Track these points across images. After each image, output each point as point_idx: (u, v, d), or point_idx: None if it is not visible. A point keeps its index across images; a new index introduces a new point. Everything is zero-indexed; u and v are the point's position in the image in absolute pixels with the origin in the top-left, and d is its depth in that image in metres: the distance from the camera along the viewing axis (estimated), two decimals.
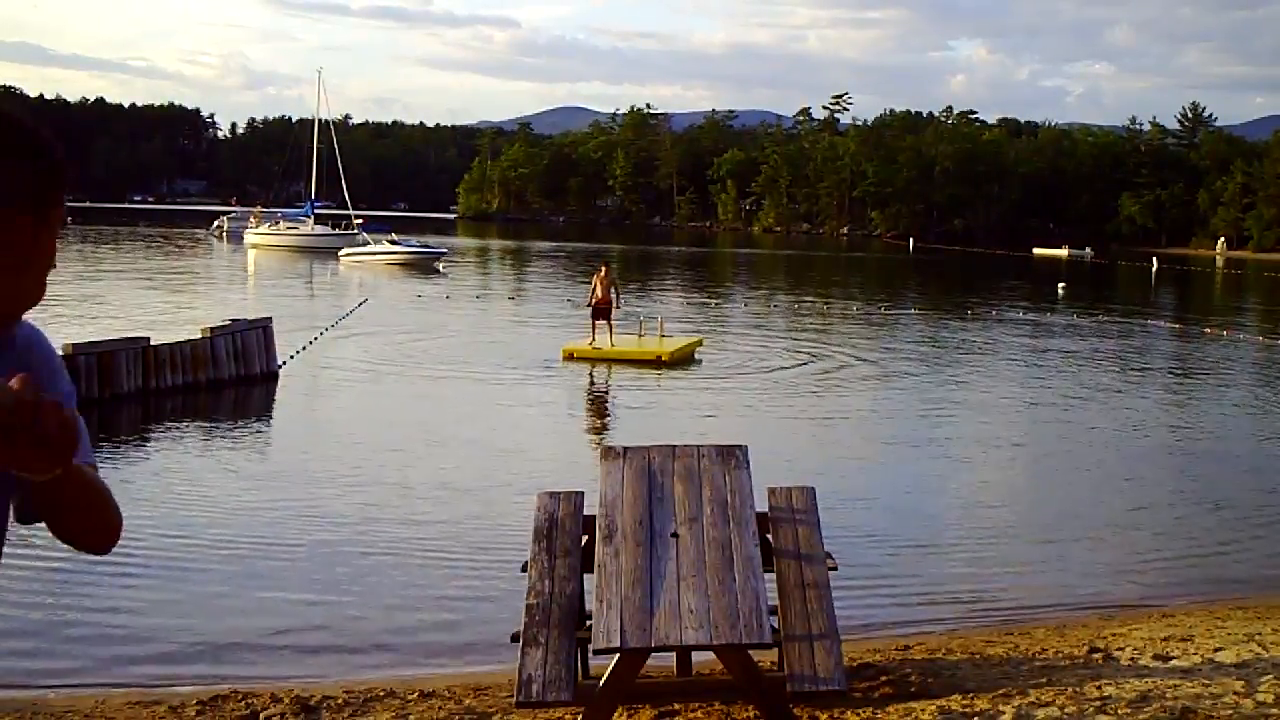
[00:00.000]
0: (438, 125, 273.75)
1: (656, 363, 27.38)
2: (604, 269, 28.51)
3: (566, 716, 7.10)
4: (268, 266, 62.85)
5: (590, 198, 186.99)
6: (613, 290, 28.16)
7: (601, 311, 27.87)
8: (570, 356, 27.73)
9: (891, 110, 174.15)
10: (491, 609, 10.61)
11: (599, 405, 23.47)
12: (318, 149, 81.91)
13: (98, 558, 11.94)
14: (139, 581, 11.31)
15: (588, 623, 6.91)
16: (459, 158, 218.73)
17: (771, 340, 33.87)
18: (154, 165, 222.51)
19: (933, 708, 7.03)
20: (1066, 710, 6.84)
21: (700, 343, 30.49)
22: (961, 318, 44.02)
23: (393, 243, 66.81)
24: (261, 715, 7.73)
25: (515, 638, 6.79)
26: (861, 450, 19.20)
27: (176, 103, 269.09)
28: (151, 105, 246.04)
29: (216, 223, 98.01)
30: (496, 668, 8.95)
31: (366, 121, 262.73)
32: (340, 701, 7.98)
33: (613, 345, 27.77)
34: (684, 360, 28.07)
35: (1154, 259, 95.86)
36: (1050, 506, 15.71)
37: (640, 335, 29.87)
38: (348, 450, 17.75)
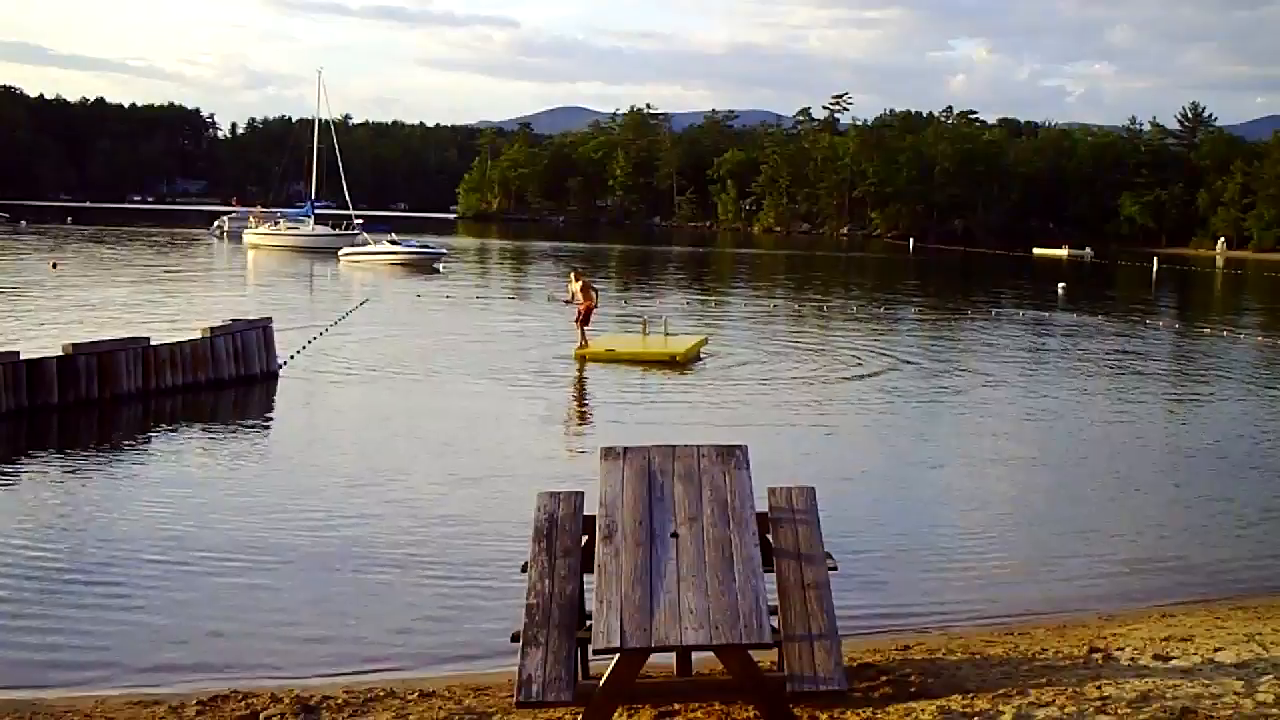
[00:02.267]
0: (438, 125, 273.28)
1: (670, 363, 27.53)
2: (574, 275, 28.41)
3: (566, 716, 7.10)
4: (268, 266, 62.85)
5: (590, 198, 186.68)
6: (592, 291, 28.16)
7: (584, 317, 27.93)
8: (583, 357, 27.83)
9: (891, 110, 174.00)
10: (491, 609, 10.62)
11: (605, 406, 23.42)
12: (318, 149, 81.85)
13: (95, 559, 11.95)
14: (139, 582, 11.32)
15: (588, 623, 6.91)
16: (459, 158, 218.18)
17: (774, 340, 33.86)
18: (154, 165, 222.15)
19: (933, 708, 7.03)
20: (1066, 710, 6.84)
21: (704, 341, 30.59)
22: (962, 317, 44.03)
23: (393, 243, 66.83)
24: (261, 715, 7.73)
25: (515, 638, 6.79)
26: (862, 450, 19.20)
27: (176, 103, 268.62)
28: (151, 105, 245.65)
29: (217, 223, 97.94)
30: (496, 668, 8.96)
31: (366, 121, 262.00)
32: (340, 701, 7.98)
33: (587, 345, 27.81)
34: (692, 359, 28.21)
35: (1154, 259, 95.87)
36: (1051, 506, 15.71)
37: (645, 335, 29.89)
38: (347, 450, 17.76)
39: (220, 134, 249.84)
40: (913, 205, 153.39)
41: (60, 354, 19.87)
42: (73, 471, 15.83)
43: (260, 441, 18.76)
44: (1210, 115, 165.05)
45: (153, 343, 21.71)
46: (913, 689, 7.63)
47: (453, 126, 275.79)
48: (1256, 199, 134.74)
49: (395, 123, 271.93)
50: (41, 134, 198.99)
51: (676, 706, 7.35)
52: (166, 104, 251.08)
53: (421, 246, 68.37)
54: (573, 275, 28.66)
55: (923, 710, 7.00)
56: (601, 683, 6.59)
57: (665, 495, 7.02)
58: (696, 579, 6.54)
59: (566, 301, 28.40)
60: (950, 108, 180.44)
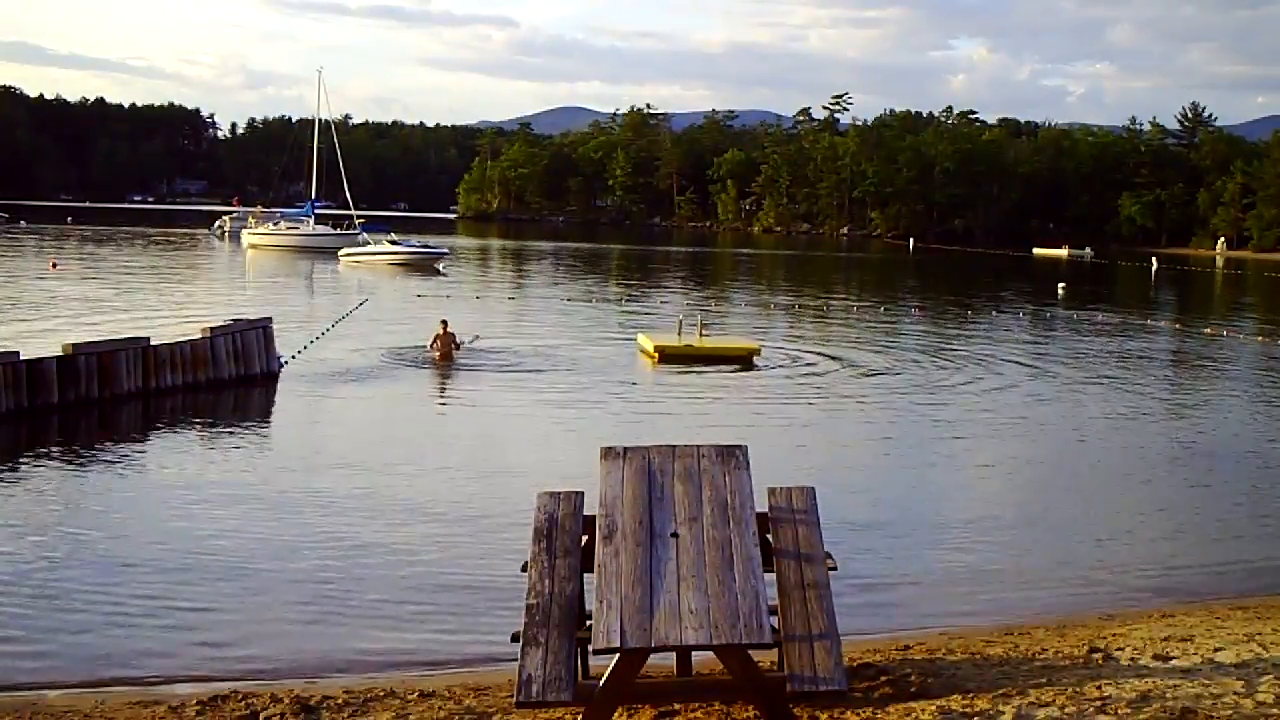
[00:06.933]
0: (438, 125, 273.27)
1: (747, 359, 28.06)
2: (443, 326, 27.25)
3: (566, 716, 7.10)
4: (267, 266, 62.85)
5: (590, 198, 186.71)
6: (452, 343, 27.04)
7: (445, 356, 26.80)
8: (660, 354, 28.08)
9: (891, 110, 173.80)
10: (491, 609, 10.62)
11: (602, 407, 23.41)
12: (318, 149, 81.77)
13: (97, 558, 11.95)
14: (139, 582, 11.32)
15: (588, 623, 6.91)
16: (459, 158, 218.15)
17: (782, 340, 33.86)
18: (154, 165, 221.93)
19: (933, 708, 7.03)
20: (1066, 710, 6.84)
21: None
22: (961, 318, 44.03)
23: (393, 243, 66.82)
24: (261, 715, 7.73)
25: (515, 638, 6.79)
26: (864, 450, 19.20)
27: (176, 103, 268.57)
28: (151, 105, 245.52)
29: (218, 223, 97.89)
30: (496, 668, 8.96)
31: (366, 121, 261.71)
32: (340, 701, 7.98)
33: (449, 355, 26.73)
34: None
35: (1154, 259, 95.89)
36: (1051, 507, 15.71)
37: (680, 335, 29.92)
38: (348, 450, 17.74)
39: (220, 134, 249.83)
40: (913, 205, 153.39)
41: (60, 354, 19.86)
42: (73, 472, 15.82)
43: (260, 441, 18.75)
44: (1210, 115, 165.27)
45: (153, 343, 21.71)
46: (913, 689, 7.63)
47: (453, 126, 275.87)
48: (1256, 199, 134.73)
49: (395, 123, 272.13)
50: (41, 134, 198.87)
51: (676, 706, 7.35)
52: (166, 104, 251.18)
53: (422, 246, 68.34)
54: (441, 326, 27.37)
55: (923, 710, 7.00)
56: (601, 683, 6.59)
57: (665, 495, 7.02)
58: (696, 579, 6.54)
59: (431, 345, 27.22)
60: (950, 108, 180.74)
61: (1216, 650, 8.48)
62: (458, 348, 27.06)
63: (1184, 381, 29.21)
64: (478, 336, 27.82)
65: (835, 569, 7.28)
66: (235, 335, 23.10)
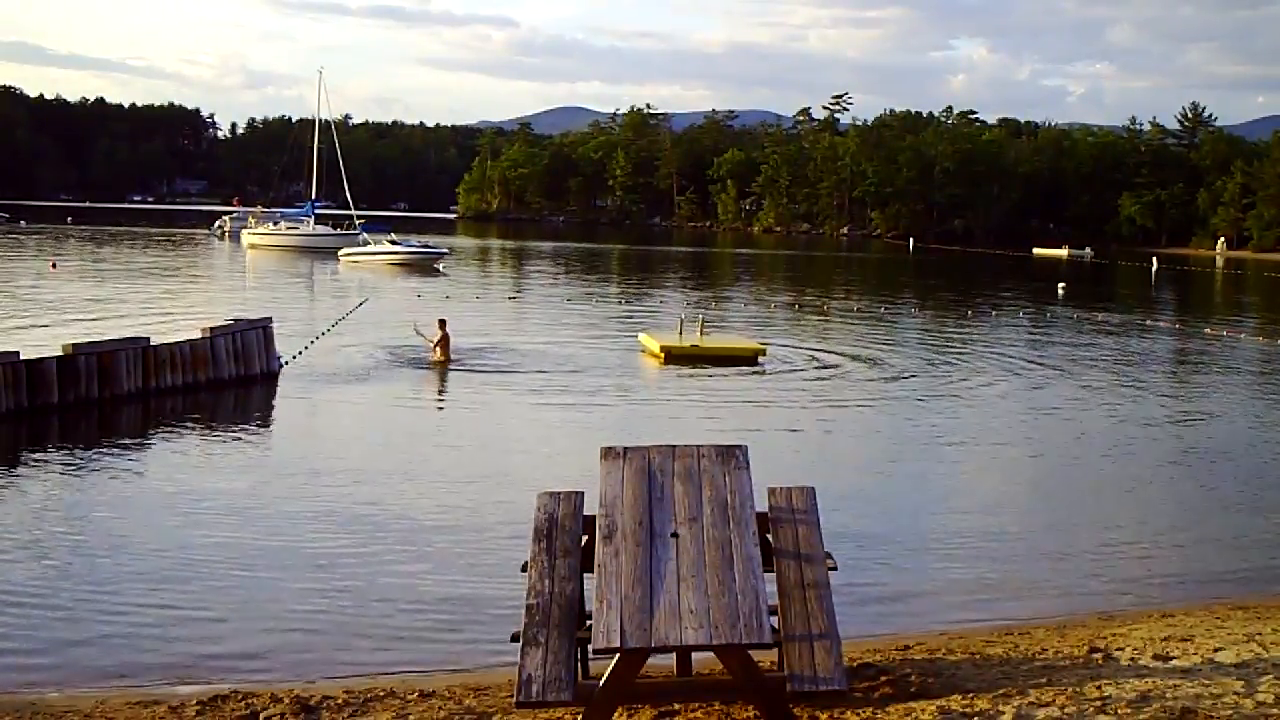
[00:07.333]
0: (438, 125, 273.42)
1: (752, 359, 28.21)
2: (438, 324, 27.10)
3: (566, 716, 7.10)
4: (267, 266, 62.83)
5: (590, 198, 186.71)
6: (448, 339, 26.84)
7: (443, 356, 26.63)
8: (666, 354, 28.17)
9: (891, 110, 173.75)
10: (491, 609, 10.62)
11: (605, 408, 23.42)
12: (318, 149, 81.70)
13: (97, 559, 11.95)
14: (139, 583, 11.32)
15: (588, 623, 6.91)
16: (459, 158, 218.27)
17: (785, 340, 33.86)
18: (154, 165, 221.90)
19: (933, 708, 7.03)
20: (1066, 710, 6.84)
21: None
22: (962, 318, 44.01)
23: (393, 243, 66.82)
24: (261, 715, 7.73)
25: (515, 638, 6.80)
26: (865, 451, 19.20)
27: (176, 103, 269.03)
28: (151, 105, 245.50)
29: (219, 223, 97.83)
30: (496, 668, 8.96)
31: (366, 121, 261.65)
32: (340, 701, 7.98)
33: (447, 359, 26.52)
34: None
35: (1154, 259, 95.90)
36: (1051, 507, 15.72)
37: (681, 335, 29.93)
38: (348, 451, 17.75)
39: (220, 134, 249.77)
40: (913, 205, 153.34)
41: (60, 354, 19.86)
42: (73, 472, 15.82)
43: (260, 442, 18.75)
44: (1210, 115, 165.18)
45: (153, 343, 21.71)
46: (913, 689, 7.62)
47: (453, 126, 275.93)
48: (1256, 199, 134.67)
49: (395, 123, 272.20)
50: (41, 134, 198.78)
51: (676, 706, 7.35)
52: (166, 104, 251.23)
53: (422, 246, 68.34)
54: (437, 324, 27.10)
55: (923, 710, 7.00)
56: (601, 683, 6.59)
57: (665, 495, 7.02)
58: (696, 579, 6.54)
59: (427, 336, 27.04)
60: (950, 108, 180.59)
61: (1216, 650, 8.48)
62: (431, 339, 26.86)
63: (1185, 382, 29.20)
64: (416, 321, 27.87)
65: (835, 569, 7.28)
66: (235, 335, 23.10)
